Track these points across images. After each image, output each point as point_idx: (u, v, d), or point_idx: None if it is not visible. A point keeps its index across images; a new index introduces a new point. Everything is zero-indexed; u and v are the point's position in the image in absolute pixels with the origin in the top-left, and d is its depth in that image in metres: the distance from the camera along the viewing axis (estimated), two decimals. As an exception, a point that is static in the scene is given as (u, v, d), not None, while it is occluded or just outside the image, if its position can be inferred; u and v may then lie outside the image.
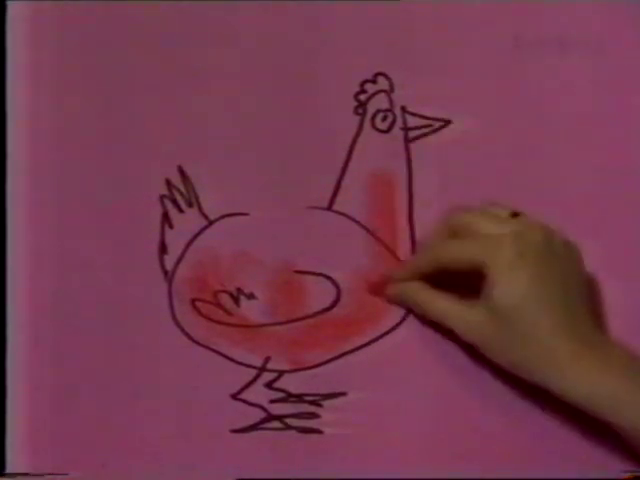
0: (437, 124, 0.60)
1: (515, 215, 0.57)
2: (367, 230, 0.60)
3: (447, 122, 0.60)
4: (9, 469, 0.58)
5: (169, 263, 0.59)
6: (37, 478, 0.58)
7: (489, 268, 0.54)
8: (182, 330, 0.59)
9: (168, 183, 0.60)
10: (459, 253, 0.56)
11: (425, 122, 0.60)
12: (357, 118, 0.60)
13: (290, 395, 0.59)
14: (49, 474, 0.58)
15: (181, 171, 0.60)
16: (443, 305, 0.57)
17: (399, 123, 0.60)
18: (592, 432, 0.57)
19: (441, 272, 0.57)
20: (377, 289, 0.59)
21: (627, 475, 0.57)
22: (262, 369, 0.59)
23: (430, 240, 0.58)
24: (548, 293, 0.53)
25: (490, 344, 0.55)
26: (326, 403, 0.59)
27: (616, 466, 0.57)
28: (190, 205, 0.60)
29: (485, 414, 0.58)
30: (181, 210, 0.60)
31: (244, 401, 0.59)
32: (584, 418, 0.55)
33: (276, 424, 0.59)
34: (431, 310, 0.57)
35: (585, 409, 0.53)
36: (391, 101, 0.60)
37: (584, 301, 0.55)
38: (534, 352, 0.53)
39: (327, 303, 0.59)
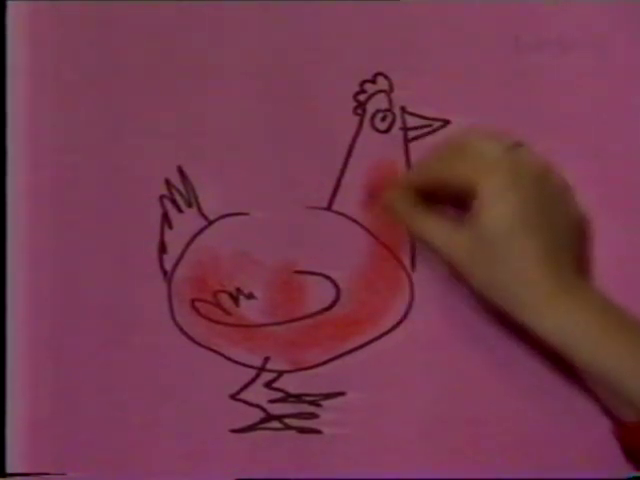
0: (436, 124, 0.60)
1: (517, 145, 0.56)
2: (367, 230, 0.60)
3: (446, 122, 0.60)
4: (9, 469, 0.58)
5: (169, 263, 0.59)
6: (37, 478, 0.58)
7: (481, 190, 0.53)
8: (181, 330, 0.59)
9: (168, 183, 0.60)
10: (455, 171, 0.55)
11: (424, 122, 0.60)
12: (356, 118, 0.60)
13: (289, 395, 0.59)
14: (49, 474, 0.58)
15: (181, 171, 0.60)
16: (431, 223, 0.56)
17: (398, 123, 0.60)
18: (593, 432, 0.57)
19: (435, 190, 0.56)
20: (375, 192, 0.59)
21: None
22: (261, 369, 0.59)
23: (430, 155, 0.57)
24: (536, 225, 0.53)
25: (471, 266, 0.54)
26: (325, 403, 0.59)
27: (617, 466, 0.57)
28: (190, 205, 0.60)
29: (484, 414, 0.58)
30: (181, 210, 0.60)
31: (243, 401, 0.59)
32: (584, 418, 0.55)
33: (275, 424, 0.59)
34: (418, 226, 0.57)
35: (552, 344, 0.53)
36: (390, 101, 0.60)
37: (570, 243, 0.55)
38: (513, 278, 0.53)
39: (327, 303, 0.59)
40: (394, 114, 0.60)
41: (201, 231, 0.60)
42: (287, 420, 0.59)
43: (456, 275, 0.56)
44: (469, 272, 0.55)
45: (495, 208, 0.53)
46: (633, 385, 0.52)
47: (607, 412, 0.56)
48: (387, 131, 0.60)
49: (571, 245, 0.56)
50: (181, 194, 0.60)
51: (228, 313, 0.59)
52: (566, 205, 0.56)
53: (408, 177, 0.58)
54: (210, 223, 0.60)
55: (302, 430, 0.59)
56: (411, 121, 0.60)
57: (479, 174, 0.54)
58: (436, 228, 0.56)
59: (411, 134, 0.60)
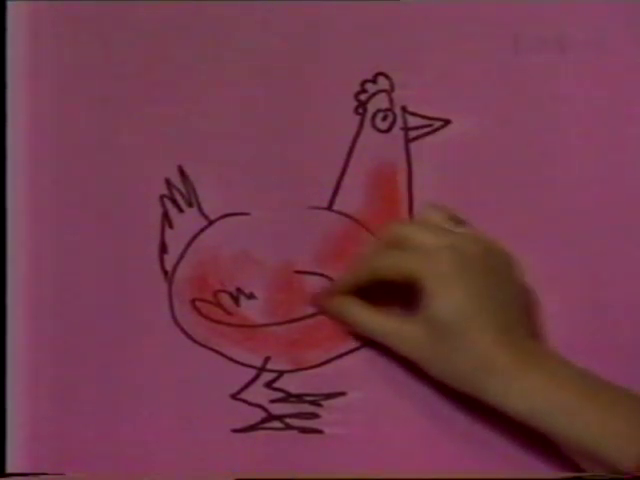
0: (437, 124, 0.60)
1: (456, 223, 0.57)
2: (367, 230, 0.60)
3: (447, 122, 0.60)
4: (9, 469, 0.58)
5: (169, 263, 0.59)
6: (37, 478, 0.58)
7: (426, 282, 0.53)
8: (182, 330, 0.59)
9: (168, 183, 0.60)
10: (396, 265, 0.55)
11: (425, 122, 0.60)
12: (357, 118, 0.60)
13: (290, 395, 0.59)
14: (49, 474, 0.58)
15: (181, 171, 0.60)
16: (378, 321, 0.57)
17: (399, 123, 0.60)
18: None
19: (379, 286, 0.56)
20: (317, 302, 0.59)
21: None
22: (262, 369, 0.59)
23: (369, 251, 0.58)
24: (486, 306, 0.53)
25: (429, 359, 0.55)
26: (326, 403, 0.59)
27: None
28: (190, 205, 0.60)
29: (484, 413, 0.58)
30: (181, 210, 0.60)
31: (244, 401, 0.59)
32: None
33: (276, 424, 0.59)
34: (366, 325, 0.57)
35: (526, 422, 0.53)
36: (391, 101, 0.60)
37: (522, 312, 0.55)
38: (474, 365, 0.53)
39: (327, 303, 0.59)
40: (395, 114, 0.60)
41: (202, 231, 0.60)
42: (288, 420, 0.59)
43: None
44: (428, 365, 0.55)
45: (443, 298, 0.53)
46: (611, 451, 0.51)
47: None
48: (388, 131, 0.60)
49: (524, 315, 0.56)
50: (182, 194, 0.60)
51: (229, 313, 0.59)
52: (510, 274, 0.56)
53: (351, 276, 0.58)
54: (211, 223, 0.60)
55: (303, 430, 0.59)
56: (412, 121, 0.60)
57: (421, 265, 0.54)
58: (385, 325, 0.56)
59: (412, 134, 0.60)
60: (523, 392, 0.52)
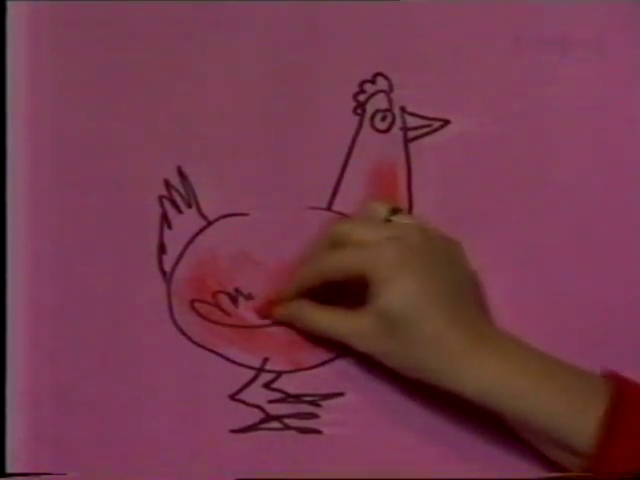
0: (436, 124, 0.60)
1: (395, 212, 0.57)
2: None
3: (446, 122, 0.60)
4: (9, 469, 0.58)
5: (168, 264, 0.59)
6: (37, 478, 0.58)
7: (371, 276, 0.53)
8: (181, 331, 0.59)
9: (167, 184, 0.60)
10: (339, 264, 0.55)
11: (424, 122, 0.60)
12: (356, 118, 0.60)
13: (289, 395, 0.59)
14: (49, 474, 0.58)
15: (180, 172, 0.60)
16: (330, 319, 0.57)
17: (398, 123, 0.60)
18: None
19: (327, 285, 0.56)
20: (265, 311, 0.59)
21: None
22: (260, 369, 0.59)
23: (310, 252, 0.58)
24: (433, 293, 0.53)
25: (383, 351, 0.55)
26: (325, 403, 0.59)
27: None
28: (189, 206, 0.60)
29: (483, 414, 0.58)
30: (180, 211, 0.60)
31: (243, 402, 0.59)
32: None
33: (275, 424, 0.59)
34: (318, 326, 0.57)
35: (482, 405, 0.53)
36: (390, 101, 0.60)
37: (470, 295, 0.56)
38: (428, 354, 0.53)
39: (326, 303, 0.59)
40: (394, 114, 0.60)
41: (200, 231, 0.60)
42: (287, 420, 0.59)
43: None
44: (384, 357, 0.55)
45: (390, 290, 0.53)
46: (568, 432, 0.52)
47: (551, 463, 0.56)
48: (387, 131, 0.60)
49: (474, 299, 0.56)
50: (180, 194, 0.60)
51: (227, 314, 0.59)
52: (454, 258, 0.56)
53: (297, 281, 0.58)
54: (209, 223, 0.60)
55: (302, 430, 0.59)
56: (411, 121, 0.60)
57: (365, 260, 0.54)
58: (337, 323, 0.56)
59: (411, 134, 0.60)
60: (477, 376, 0.53)
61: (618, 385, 0.53)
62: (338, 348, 0.58)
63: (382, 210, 0.57)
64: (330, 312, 0.57)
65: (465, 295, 0.55)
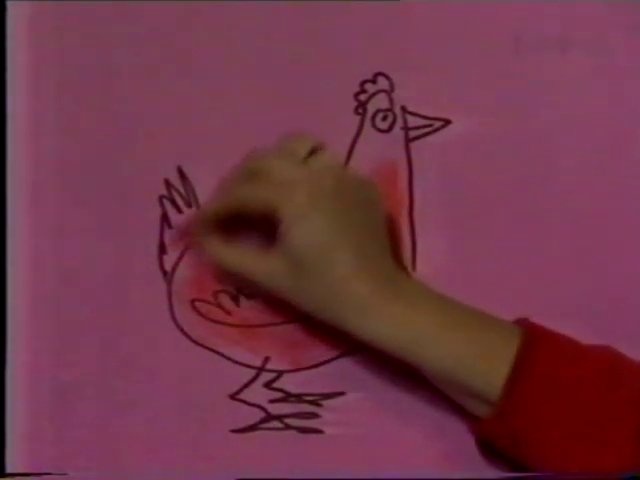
0: (437, 124, 0.60)
1: (314, 151, 0.56)
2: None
3: (447, 122, 0.60)
4: (9, 469, 0.58)
5: (168, 263, 0.59)
6: (37, 478, 0.58)
7: (282, 214, 0.53)
8: (182, 330, 0.59)
9: (167, 184, 0.60)
10: (252, 197, 0.55)
11: (425, 122, 0.60)
12: (357, 118, 0.60)
13: (289, 395, 0.59)
14: (49, 474, 0.58)
15: (180, 172, 0.60)
16: (237, 255, 0.56)
17: (399, 123, 0.60)
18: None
19: (238, 218, 0.56)
20: (181, 234, 0.59)
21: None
22: (261, 369, 0.59)
23: (227, 183, 0.58)
24: (342, 236, 0.53)
25: (289, 291, 0.54)
26: (326, 403, 0.59)
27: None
28: (189, 205, 0.60)
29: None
30: (180, 210, 0.60)
31: (243, 401, 0.59)
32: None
33: (276, 424, 0.59)
34: (226, 261, 0.57)
35: (389, 351, 0.53)
36: (391, 101, 0.60)
37: (382, 242, 0.55)
38: (333, 296, 0.53)
39: (327, 303, 0.59)
40: (395, 114, 0.60)
41: (201, 231, 0.60)
42: (287, 420, 0.59)
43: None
44: (289, 296, 0.55)
45: (299, 228, 0.53)
46: (479, 380, 0.52)
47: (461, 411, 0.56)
48: (388, 131, 0.60)
49: (385, 244, 0.55)
50: (181, 194, 0.60)
51: (228, 313, 0.59)
52: (369, 203, 0.55)
53: (210, 208, 0.58)
54: (210, 223, 0.60)
55: (303, 430, 0.59)
56: (412, 121, 0.60)
57: (277, 197, 0.54)
58: (244, 259, 0.56)
59: (412, 134, 0.60)
60: (381, 322, 0.52)
61: (528, 331, 0.53)
62: (339, 347, 0.58)
63: (302, 148, 0.56)
64: (238, 249, 0.57)
65: (377, 241, 0.55)
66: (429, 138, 0.60)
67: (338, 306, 0.53)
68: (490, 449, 0.56)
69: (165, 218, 0.59)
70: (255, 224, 0.57)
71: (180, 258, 0.59)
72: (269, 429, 0.58)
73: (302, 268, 0.53)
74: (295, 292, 0.54)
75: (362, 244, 0.53)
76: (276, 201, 0.54)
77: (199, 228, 0.57)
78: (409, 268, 0.59)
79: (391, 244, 0.56)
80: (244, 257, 0.56)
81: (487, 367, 0.52)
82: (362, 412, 0.59)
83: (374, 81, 0.60)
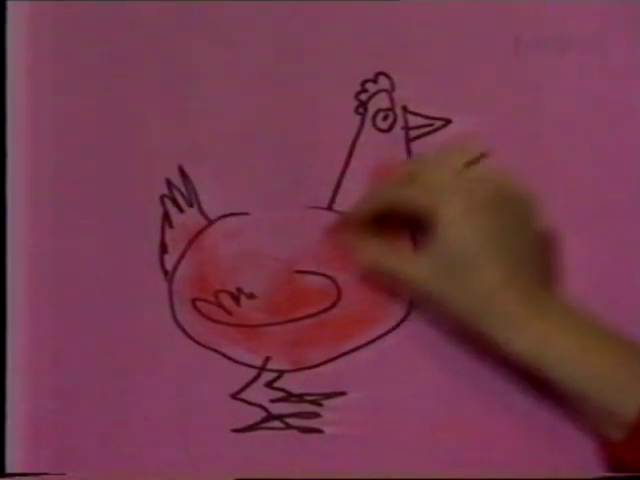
0: (438, 124, 0.60)
1: (474, 161, 0.56)
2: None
3: (448, 122, 0.60)
4: (9, 469, 0.58)
5: (169, 263, 0.59)
6: (37, 478, 0.58)
7: (437, 220, 0.54)
8: (182, 330, 0.59)
9: (168, 183, 0.60)
10: (410, 199, 0.55)
11: (426, 122, 0.60)
12: (358, 117, 0.60)
13: (290, 395, 0.59)
14: (49, 474, 0.58)
15: (181, 171, 0.60)
16: (391, 258, 0.57)
17: (400, 122, 0.60)
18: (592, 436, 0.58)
19: (387, 223, 0.57)
20: (332, 234, 0.59)
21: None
22: (262, 369, 0.59)
23: (384, 184, 0.58)
24: (494, 245, 0.53)
25: (435, 295, 0.55)
26: (326, 403, 0.59)
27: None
28: (190, 205, 0.60)
29: (485, 413, 0.58)
30: (181, 210, 0.60)
31: (244, 401, 0.59)
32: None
33: (277, 424, 0.59)
34: (379, 263, 0.57)
35: (527, 366, 0.53)
36: (392, 100, 0.60)
37: (533, 257, 0.55)
38: (479, 304, 0.53)
39: (327, 303, 0.59)
40: (395, 113, 0.60)
41: (202, 231, 0.60)
42: (288, 420, 0.59)
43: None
44: (435, 300, 0.55)
45: (455, 235, 0.53)
46: (615, 401, 0.52)
47: (592, 431, 0.56)
48: (389, 130, 0.60)
49: (537, 259, 0.56)
50: (182, 194, 0.60)
51: (229, 313, 0.59)
52: (525, 217, 0.56)
53: (366, 204, 0.58)
54: (211, 223, 0.60)
55: (304, 430, 0.59)
56: (413, 120, 0.60)
57: (436, 201, 0.54)
58: (398, 261, 0.56)
59: (413, 133, 0.60)
60: (526, 336, 0.53)
61: None
62: (339, 347, 0.59)
63: (462, 156, 0.57)
64: (389, 250, 0.57)
65: (528, 256, 0.55)
66: (430, 138, 0.60)
67: (482, 314, 0.53)
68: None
69: (166, 217, 0.59)
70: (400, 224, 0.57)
71: (181, 258, 0.59)
72: (270, 429, 0.58)
73: (452, 273, 0.53)
74: (441, 296, 0.55)
75: (513, 256, 0.54)
76: (434, 205, 0.54)
77: (353, 224, 0.58)
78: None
79: (543, 261, 0.56)
80: (395, 257, 0.57)
81: (626, 390, 0.52)
82: (363, 412, 0.59)
83: (375, 80, 0.60)
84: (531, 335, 0.53)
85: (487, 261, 0.53)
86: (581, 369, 0.52)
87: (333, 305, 0.59)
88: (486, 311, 0.53)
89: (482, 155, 0.57)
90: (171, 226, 0.59)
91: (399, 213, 0.56)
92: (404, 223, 0.57)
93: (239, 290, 0.59)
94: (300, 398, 0.59)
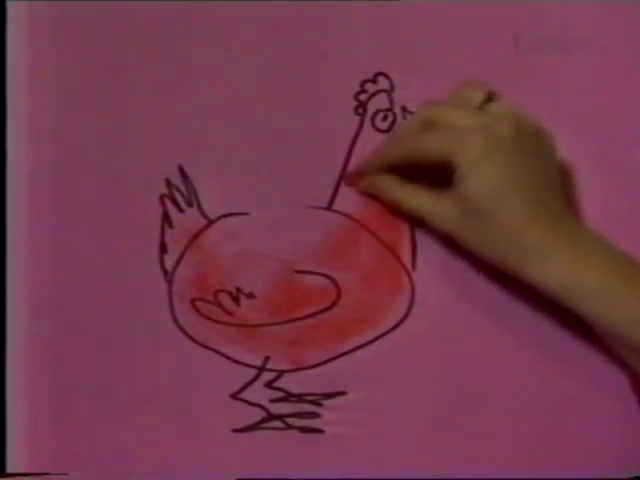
0: (437, 124, 0.60)
1: (490, 99, 0.57)
2: (367, 230, 0.60)
3: (447, 122, 0.60)
4: (9, 469, 0.58)
5: (169, 263, 0.59)
6: (37, 478, 0.58)
7: (458, 161, 0.54)
8: (182, 330, 0.59)
9: (168, 183, 0.60)
10: (428, 146, 0.55)
11: (425, 122, 0.60)
12: (357, 118, 0.60)
13: (290, 394, 0.59)
14: (49, 474, 0.58)
15: (181, 171, 0.60)
16: (413, 196, 0.57)
17: (399, 123, 0.60)
18: (592, 435, 0.58)
19: (410, 165, 0.57)
20: (351, 179, 0.59)
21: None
22: (262, 368, 0.59)
23: (401, 131, 0.58)
24: (517, 182, 0.53)
25: (462, 235, 0.55)
26: (326, 402, 0.59)
27: (617, 467, 0.57)
28: (190, 205, 0.60)
29: (484, 413, 0.58)
30: (181, 210, 0.60)
31: (244, 401, 0.59)
32: (586, 419, 0.55)
33: (276, 424, 0.59)
34: (401, 200, 0.57)
35: (557, 298, 0.53)
36: (391, 101, 0.60)
37: (556, 189, 0.55)
38: (506, 241, 0.53)
39: (327, 303, 0.59)
40: (395, 114, 0.60)
41: (202, 231, 0.60)
42: (288, 419, 0.59)
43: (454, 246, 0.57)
44: (462, 240, 0.55)
45: (475, 175, 0.53)
46: None
47: (625, 368, 0.56)
48: (388, 131, 0.60)
49: (559, 192, 0.56)
50: (182, 193, 0.60)
51: (229, 313, 0.59)
52: (544, 151, 0.56)
53: (383, 155, 0.58)
54: (210, 223, 0.60)
55: (304, 429, 0.59)
56: (412, 120, 0.60)
57: (454, 145, 0.54)
58: (422, 200, 0.57)
59: (412, 133, 0.60)
60: (555, 268, 0.53)
61: None
62: (339, 347, 0.59)
63: (477, 96, 0.57)
64: (414, 190, 0.57)
65: (551, 189, 0.55)
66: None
67: (510, 251, 0.53)
68: None
69: (166, 217, 0.59)
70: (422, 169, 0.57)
71: (181, 258, 0.59)
72: (270, 429, 0.59)
73: (477, 214, 0.54)
74: (468, 236, 0.55)
75: (537, 191, 0.54)
76: (452, 149, 0.54)
77: (373, 172, 0.58)
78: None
79: (566, 193, 0.56)
80: (419, 198, 0.57)
81: None
82: (363, 412, 0.59)
83: (374, 81, 0.60)
84: (560, 266, 0.53)
85: (510, 198, 0.53)
86: (609, 303, 0.52)
87: (333, 305, 0.59)
88: (513, 247, 0.53)
89: (493, 93, 0.57)
90: (171, 226, 0.59)
91: (419, 160, 0.56)
92: (425, 171, 0.57)
93: (239, 290, 0.59)
94: (300, 398, 0.59)
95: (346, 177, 0.59)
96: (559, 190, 0.56)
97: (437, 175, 0.55)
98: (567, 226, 0.54)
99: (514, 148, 0.54)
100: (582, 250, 0.53)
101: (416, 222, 0.58)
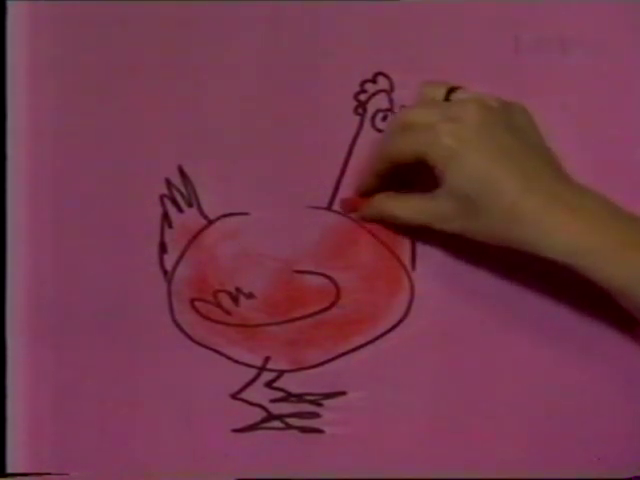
0: (437, 124, 0.60)
1: (453, 90, 0.57)
2: (367, 230, 0.60)
3: (447, 122, 0.60)
4: (9, 469, 0.58)
5: (169, 263, 0.59)
6: (37, 478, 0.58)
7: (434, 157, 0.54)
8: (181, 330, 0.59)
9: (168, 183, 0.60)
10: (402, 147, 0.55)
11: (425, 122, 0.60)
12: (357, 118, 0.60)
13: (290, 394, 0.59)
14: (49, 474, 0.58)
15: (181, 171, 0.60)
16: (410, 208, 0.57)
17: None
18: (592, 436, 0.58)
19: (395, 171, 0.57)
20: (352, 207, 0.60)
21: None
22: (262, 369, 0.59)
23: (381, 141, 0.58)
24: (499, 162, 0.53)
25: (465, 226, 0.55)
26: (326, 402, 0.59)
27: (617, 467, 0.57)
28: (190, 205, 0.60)
29: (484, 413, 0.58)
30: (181, 210, 0.60)
31: (244, 401, 0.59)
32: (586, 419, 0.55)
33: (276, 424, 0.59)
34: (402, 216, 0.57)
35: (563, 263, 0.53)
36: (391, 101, 0.60)
37: (542, 156, 0.55)
38: (507, 222, 0.53)
39: (327, 303, 0.59)
40: (395, 114, 0.60)
41: (201, 231, 0.60)
42: (288, 419, 0.59)
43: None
44: (464, 231, 0.55)
45: (453, 169, 0.53)
46: None
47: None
48: (388, 131, 0.60)
49: (549, 157, 0.55)
50: (181, 194, 0.60)
51: (228, 313, 0.59)
52: (521, 125, 0.55)
53: (370, 169, 0.58)
54: (210, 223, 0.60)
55: (304, 429, 0.59)
56: (412, 120, 0.60)
57: (423, 143, 0.54)
58: (418, 209, 0.56)
59: (412, 134, 0.60)
60: (557, 236, 0.52)
61: None
62: (339, 347, 0.59)
63: (439, 91, 0.57)
64: (406, 201, 0.57)
65: (538, 156, 0.54)
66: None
67: (512, 227, 0.53)
68: None
69: (166, 217, 0.59)
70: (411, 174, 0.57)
71: (180, 258, 0.59)
72: (270, 429, 0.59)
73: (470, 204, 0.53)
74: (469, 228, 0.55)
75: (521, 162, 0.53)
76: (425, 146, 0.54)
77: (367, 187, 0.58)
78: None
79: (548, 156, 0.56)
80: (416, 207, 0.57)
81: None
82: (363, 412, 0.59)
83: (374, 81, 0.60)
84: (565, 232, 0.52)
85: (497, 176, 0.53)
86: (619, 266, 0.52)
87: (332, 305, 0.59)
88: (514, 222, 0.53)
89: (455, 86, 0.57)
90: (170, 226, 0.59)
91: (400, 162, 0.56)
92: (411, 172, 0.57)
93: (238, 290, 0.59)
94: (300, 398, 0.59)
95: (342, 204, 0.60)
96: (548, 155, 0.55)
97: (427, 176, 0.55)
98: (564, 189, 0.54)
99: (485, 130, 0.53)
100: (586, 214, 0.52)
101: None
